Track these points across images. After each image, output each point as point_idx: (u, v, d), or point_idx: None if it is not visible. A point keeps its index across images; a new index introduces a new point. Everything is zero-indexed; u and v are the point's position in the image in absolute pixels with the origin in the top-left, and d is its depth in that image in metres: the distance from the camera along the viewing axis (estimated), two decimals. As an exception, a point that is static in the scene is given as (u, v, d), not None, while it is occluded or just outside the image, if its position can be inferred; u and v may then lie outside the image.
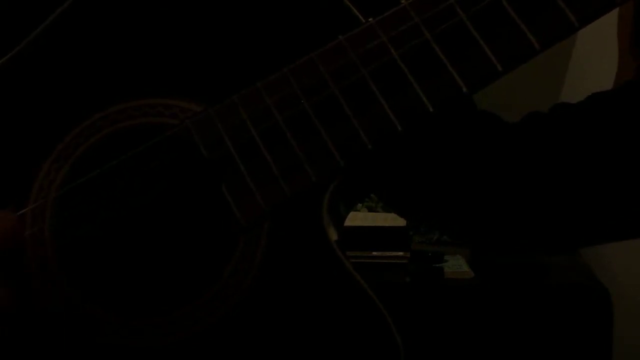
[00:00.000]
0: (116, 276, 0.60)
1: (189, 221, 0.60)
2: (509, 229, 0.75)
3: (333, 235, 0.58)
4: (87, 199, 0.57)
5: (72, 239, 0.57)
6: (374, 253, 1.83)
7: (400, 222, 1.94)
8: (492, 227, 0.76)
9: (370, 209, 2.08)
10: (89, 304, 0.57)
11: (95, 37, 0.61)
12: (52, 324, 0.57)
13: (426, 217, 0.81)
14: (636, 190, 0.66)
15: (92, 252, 0.58)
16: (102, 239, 0.58)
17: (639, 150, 0.65)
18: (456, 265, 1.82)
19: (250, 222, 0.56)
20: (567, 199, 0.69)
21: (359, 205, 2.05)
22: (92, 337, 0.56)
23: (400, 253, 1.84)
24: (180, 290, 0.57)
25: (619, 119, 0.66)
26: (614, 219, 0.69)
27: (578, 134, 0.68)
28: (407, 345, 0.56)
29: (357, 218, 1.97)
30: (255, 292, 0.56)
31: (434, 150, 0.72)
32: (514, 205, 0.72)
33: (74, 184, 0.58)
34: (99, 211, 0.57)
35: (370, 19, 0.56)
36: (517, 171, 0.71)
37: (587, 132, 0.68)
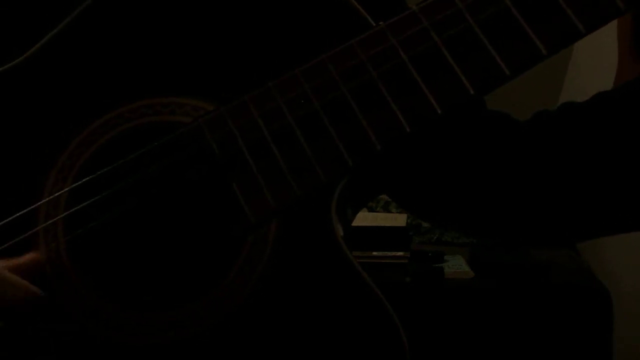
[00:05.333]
0: (126, 271, 0.60)
1: (199, 218, 0.60)
2: (521, 224, 0.76)
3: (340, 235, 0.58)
4: (99, 195, 0.58)
5: (83, 234, 0.58)
6: (374, 253, 1.83)
7: (400, 222, 1.93)
8: (505, 223, 0.76)
9: (370, 209, 2.08)
10: (97, 298, 0.58)
11: (109, 38, 0.61)
12: (61, 316, 0.57)
13: (438, 215, 0.82)
14: None
15: (103, 248, 0.59)
16: (114, 234, 0.59)
17: None
18: (456, 265, 1.82)
19: (259, 220, 0.57)
20: (576, 195, 0.70)
21: (360, 205, 2.05)
22: (99, 331, 0.57)
23: (400, 253, 1.83)
24: (188, 287, 0.58)
25: (623, 117, 0.67)
26: (623, 211, 0.70)
27: (585, 132, 0.69)
28: (408, 345, 0.56)
29: (357, 218, 1.96)
30: (262, 290, 0.57)
31: (444, 149, 0.72)
32: (524, 201, 0.73)
33: (86, 179, 0.58)
34: (110, 207, 0.58)
35: (380, 23, 0.57)
36: (526, 168, 0.72)
37: (593, 130, 0.69)
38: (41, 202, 0.59)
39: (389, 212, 2.05)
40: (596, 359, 1.66)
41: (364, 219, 1.97)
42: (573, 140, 0.69)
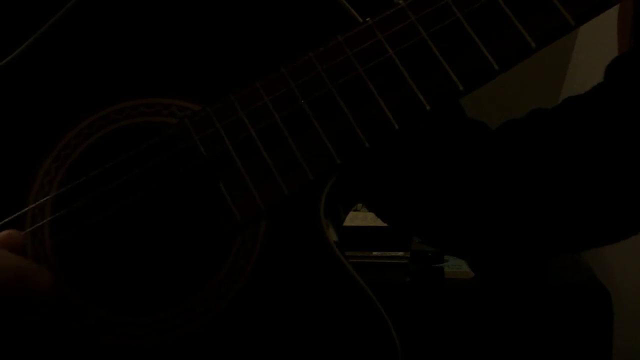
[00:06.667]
0: (114, 274, 0.60)
1: (186, 219, 0.60)
2: (489, 239, 0.75)
3: (331, 236, 0.58)
4: (86, 198, 0.58)
5: (70, 237, 0.58)
6: (374, 253, 1.83)
7: (400, 222, 1.94)
8: (474, 237, 0.76)
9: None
10: (85, 301, 0.57)
11: (94, 38, 0.61)
12: (50, 320, 0.57)
13: (415, 227, 0.81)
14: (611, 192, 0.66)
15: (90, 251, 0.59)
16: (101, 237, 0.58)
17: (612, 150, 0.65)
18: (456, 265, 1.82)
19: (246, 220, 0.56)
20: (544, 205, 0.69)
21: (359, 205, 2.05)
22: (87, 335, 0.56)
23: (400, 253, 1.84)
24: (176, 288, 0.57)
25: (592, 122, 0.67)
26: (592, 222, 0.69)
27: (552, 140, 0.68)
28: (407, 345, 0.56)
29: (357, 218, 1.97)
30: (251, 290, 0.56)
31: (422, 160, 0.72)
32: (492, 214, 0.72)
33: (73, 183, 0.58)
34: (97, 210, 0.57)
35: (367, 19, 0.56)
36: (495, 180, 0.71)
37: (561, 137, 0.68)
38: (27, 207, 0.58)
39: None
40: (596, 359, 1.65)
41: (364, 219, 1.97)
42: (541, 149, 0.69)
